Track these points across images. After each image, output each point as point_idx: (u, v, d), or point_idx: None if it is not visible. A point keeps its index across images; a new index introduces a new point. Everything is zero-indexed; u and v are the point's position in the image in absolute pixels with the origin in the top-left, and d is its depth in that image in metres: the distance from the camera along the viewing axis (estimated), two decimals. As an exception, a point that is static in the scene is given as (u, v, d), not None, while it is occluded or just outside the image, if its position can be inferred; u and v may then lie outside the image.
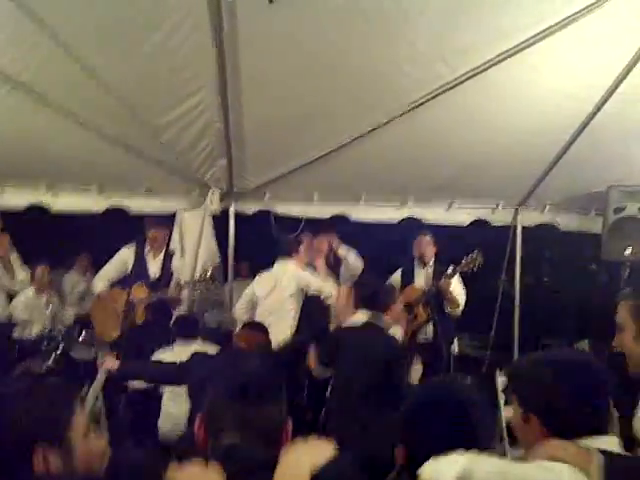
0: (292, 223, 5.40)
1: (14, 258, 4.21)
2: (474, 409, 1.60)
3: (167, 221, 5.09)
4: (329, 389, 3.73)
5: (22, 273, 4.43)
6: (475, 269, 4.58)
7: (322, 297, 4.67)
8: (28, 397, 1.39)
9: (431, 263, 4.88)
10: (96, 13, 3.16)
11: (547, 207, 5.59)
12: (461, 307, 4.64)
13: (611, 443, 1.49)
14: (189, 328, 4.10)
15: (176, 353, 3.97)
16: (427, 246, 4.85)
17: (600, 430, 1.51)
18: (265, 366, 1.60)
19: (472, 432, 1.55)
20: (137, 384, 4.13)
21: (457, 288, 4.65)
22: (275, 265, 4.89)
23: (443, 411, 1.59)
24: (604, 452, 1.38)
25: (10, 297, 4.97)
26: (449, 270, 4.62)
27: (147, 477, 1.48)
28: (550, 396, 1.54)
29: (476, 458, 1.40)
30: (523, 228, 5.70)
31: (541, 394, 1.57)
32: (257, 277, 4.97)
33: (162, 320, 4.69)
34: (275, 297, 4.66)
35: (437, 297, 4.15)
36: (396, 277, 5.09)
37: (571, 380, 1.54)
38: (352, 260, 5.17)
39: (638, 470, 1.42)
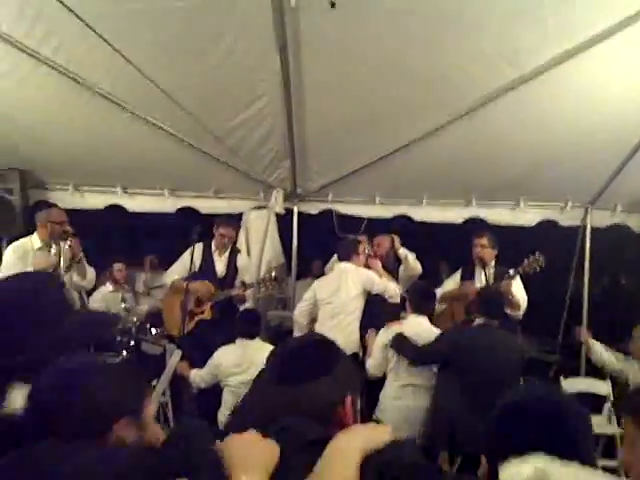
0: (355, 223, 5.45)
1: (83, 258, 4.47)
2: (575, 418, 1.51)
3: (236, 220, 5.26)
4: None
5: (90, 274, 4.69)
6: (537, 270, 4.47)
7: (386, 296, 4.65)
8: (111, 371, 1.44)
9: (492, 264, 4.79)
10: (164, 25, 3.35)
11: (618, 207, 5.40)
12: (522, 309, 4.52)
13: None
14: (251, 325, 4.19)
15: (236, 350, 4.11)
16: (483, 248, 4.76)
17: None
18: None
19: (570, 442, 1.46)
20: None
21: (518, 290, 4.55)
22: (335, 268, 4.81)
23: (541, 416, 1.50)
24: None
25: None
26: (510, 272, 4.53)
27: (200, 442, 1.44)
28: None
29: (554, 463, 1.35)
30: (593, 229, 5.53)
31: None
32: (316, 282, 4.86)
33: (228, 318, 4.85)
34: (339, 300, 4.56)
35: (499, 299, 4.07)
36: (455, 278, 5.02)
37: None
38: (412, 261, 5.14)
39: None
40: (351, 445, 1.24)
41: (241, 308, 5.05)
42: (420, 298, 4.12)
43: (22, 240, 4.43)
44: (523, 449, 1.38)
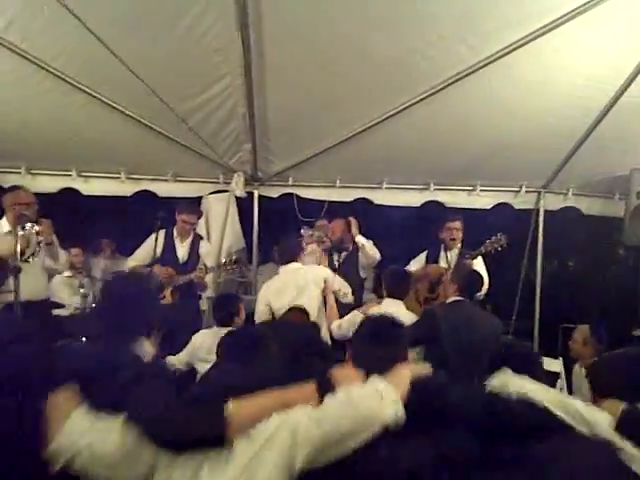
0: (315, 206, 5.47)
1: (55, 241, 4.35)
2: None
3: (197, 206, 5.19)
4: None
5: (63, 256, 4.56)
6: (499, 249, 4.60)
7: (340, 294, 4.42)
8: None
9: (459, 245, 4.92)
10: (122, 6, 3.27)
11: (570, 191, 5.59)
12: (484, 289, 4.65)
13: None
14: (226, 312, 4.08)
15: (213, 337, 3.97)
16: (458, 231, 4.88)
17: None
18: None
19: None
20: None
21: (481, 270, 4.67)
22: (283, 271, 4.34)
23: None
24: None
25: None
26: (470, 253, 4.65)
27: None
28: None
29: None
30: (546, 212, 5.71)
31: None
32: (265, 292, 4.30)
33: (190, 302, 4.80)
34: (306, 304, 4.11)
35: (460, 278, 4.16)
36: (420, 259, 5.11)
37: None
38: (369, 249, 5.12)
39: None
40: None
41: (202, 294, 5.01)
42: (395, 282, 4.09)
43: None
44: None
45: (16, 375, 1.76)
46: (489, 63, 3.75)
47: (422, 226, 5.21)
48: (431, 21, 3.46)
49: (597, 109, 4.32)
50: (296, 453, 1.55)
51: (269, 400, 1.70)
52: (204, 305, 5.25)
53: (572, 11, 3.34)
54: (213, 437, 1.61)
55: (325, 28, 3.51)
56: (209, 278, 4.99)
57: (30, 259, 4.00)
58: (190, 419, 1.65)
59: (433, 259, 5.05)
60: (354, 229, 5.20)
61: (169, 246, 4.88)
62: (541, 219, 5.69)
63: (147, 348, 2.19)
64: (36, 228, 4.00)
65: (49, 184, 5.30)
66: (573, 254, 7.89)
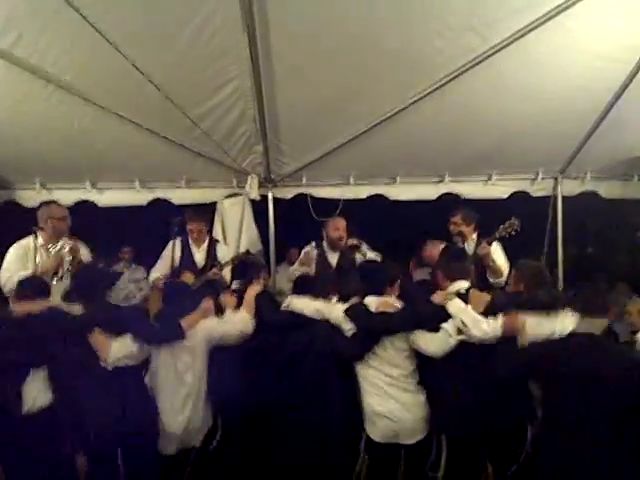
0: (330, 205, 5.43)
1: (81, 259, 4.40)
2: None
3: (204, 213, 5.15)
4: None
5: None
6: (513, 234, 4.54)
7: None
8: None
9: (473, 237, 4.84)
10: (130, 10, 3.27)
11: (588, 175, 5.50)
12: (505, 276, 4.58)
13: None
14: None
15: None
16: (459, 226, 4.80)
17: None
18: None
19: None
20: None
21: (499, 257, 4.59)
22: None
23: None
24: None
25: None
26: (486, 239, 4.59)
27: None
28: None
29: None
30: (564, 198, 5.62)
31: None
32: None
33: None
34: None
35: (478, 267, 4.11)
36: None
37: None
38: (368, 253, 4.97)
39: None
40: None
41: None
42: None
43: (24, 240, 4.32)
44: None
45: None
46: (499, 50, 3.70)
47: (439, 220, 5.15)
48: (438, 12, 3.43)
49: (611, 90, 4.25)
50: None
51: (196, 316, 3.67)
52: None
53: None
54: (177, 336, 3.53)
55: (332, 25, 3.49)
56: (226, 274, 4.93)
57: (62, 279, 4.05)
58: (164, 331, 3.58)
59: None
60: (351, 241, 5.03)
61: (186, 253, 4.90)
62: (559, 205, 5.61)
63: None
64: (67, 247, 4.05)
65: (64, 198, 5.31)
66: (591, 240, 7.77)
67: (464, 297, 3.50)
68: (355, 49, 3.69)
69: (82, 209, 5.37)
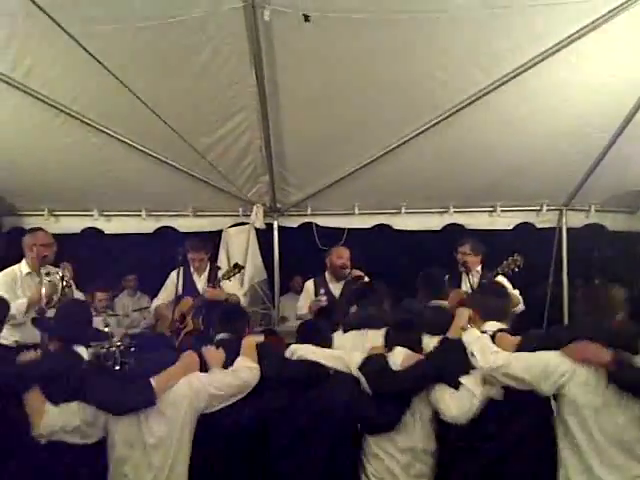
0: (335, 234, 5.46)
1: (72, 284, 4.42)
2: None
3: (204, 242, 5.11)
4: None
5: (80, 296, 4.66)
6: (516, 270, 4.52)
7: None
8: None
9: (478, 269, 4.84)
10: (139, 44, 3.34)
11: (593, 207, 5.51)
12: (520, 305, 4.56)
13: None
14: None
15: None
16: (465, 256, 4.80)
17: None
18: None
19: None
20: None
21: (509, 289, 4.59)
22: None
23: None
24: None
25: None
26: (487, 274, 4.59)
27: None
28: None
29: None
30: (569, 229, 5.62)
31: None
32: None
33: (210, 322, 4.73)
34: None
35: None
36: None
37: None
38: None
39: None
40: None
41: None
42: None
43: (11, 267, 4.32)
44: None
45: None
46: (502, 84, 3.76)
47: (443, 250, 5.15)
48: (443, 46, 3.48)
49: (615, 124, 4.28)
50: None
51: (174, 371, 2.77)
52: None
53: (583, 28, 3.34)
54: (146, 401, 2.62)
55: (337, 58, 3.56)
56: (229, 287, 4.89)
57: (56, 306, 4.06)
58: (128, 393, 2.68)
59: (456, 283, 4.96)
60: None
61: (188, 281, 4.90)
62: (564, 237, 5.61)
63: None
64: (60, 274, 4.06)
65: (72, 225, 5.39)
66: (597, 271, 7.74)
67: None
68: (360, 81, 3.76)
69: (89, 236, 5.42)
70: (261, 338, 3.32)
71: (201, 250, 4.92)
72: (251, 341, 3.11)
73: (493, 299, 3.14)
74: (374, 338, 3.20)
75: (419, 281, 3.98)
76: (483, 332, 2.87)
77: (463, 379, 2.74)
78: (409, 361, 2.89)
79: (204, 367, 2.92)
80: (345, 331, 3.46)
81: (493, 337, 2.83)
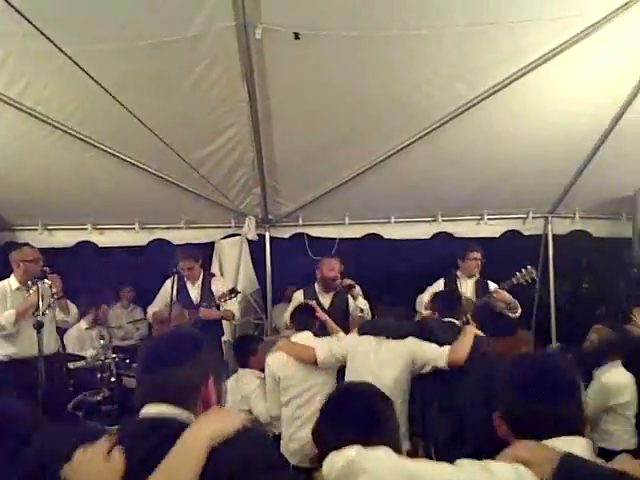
0: (326, 245, 5.54)
1: (63, 295, 4.47)
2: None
3: (194, 250, 5.13)
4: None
5: (73, 309, 4.71)
6: (529, 281, 4.69)
7: None
8: None
9: (477, 275, 4.96)
10: (134, 62, 3.42)
11: (577, 214, 5.65)
12: (518, 311, 4.72)
13: (578, 444, 1.44)
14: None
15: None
16: (478, 261, 4.90)
17: (570, 431, 1.46)
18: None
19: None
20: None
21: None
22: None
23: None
24: (567, 455, 1.34)
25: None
26: (502, 284, 4.71)
27: None
28: (508, 396, 1.55)
29: (367, 453, 1.46)
30: (555, 236, 5.76)
31: (501, 394, 1.58)
32: None
33: (205, 334, 4.76)
34: None
35: (489, 307, 4.23)
36: (437, 286, 5.00)
37: (528, 380, 1.53)
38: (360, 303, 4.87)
39: (592, 476, 1.35)
40: (199, 435, 1.32)
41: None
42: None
43: (0, 282, 4.38)
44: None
45: None
46: (486, 97, 3.87)
47: (432, 257, 5.26)
48: (427, 60, 3.58)
49: (597, 133, 4.42)
50: None
51: None
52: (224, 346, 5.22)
53: (565, 42, 3.45)
54: None
55: (325, 73, 3.65)
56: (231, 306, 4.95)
57: (45, 313, 4.12)
58: None
59: (451, 287, 5.03)
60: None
61: (182, 289, 4.96)
62: (550, 244, 5.74)
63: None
64: (48, 282, 4.12)
65: (65, 238, 5.45)
66: (585, 276, 7.88)
67: None
68: (348, 95, 3.85)
69: (83, 249, 5.47)
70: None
71: (190, 259, 4.95)
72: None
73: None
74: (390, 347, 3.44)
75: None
76: None
77: None
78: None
79: None
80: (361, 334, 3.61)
81: None
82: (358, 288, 4.89)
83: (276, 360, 3.68)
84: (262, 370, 3.84)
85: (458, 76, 3.73)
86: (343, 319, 4.69)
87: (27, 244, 4.56)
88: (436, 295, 4.12)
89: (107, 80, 3.50)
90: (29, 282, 4.12)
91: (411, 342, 3.46)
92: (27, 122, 3.90)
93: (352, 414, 1.69)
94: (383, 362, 3.40)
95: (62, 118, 3.97)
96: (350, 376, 3.49)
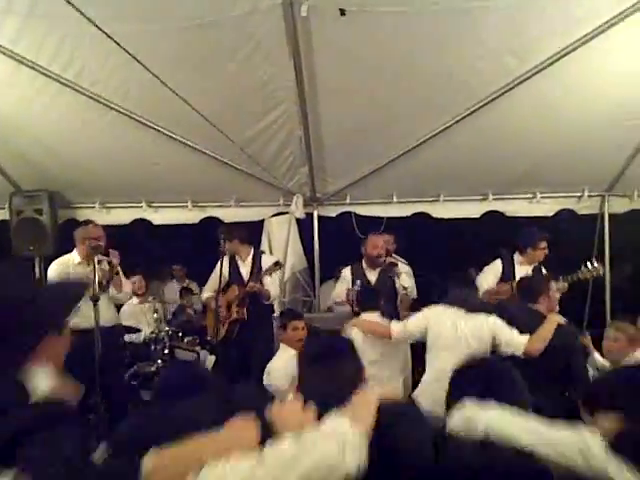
0: (374, 223, 5.54)
1: (120, 271, 4.65)
2: None
3: (236, 230, 5.17)
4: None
5: (127, 285, 4.86)
6: (595, 277, 4.59)
7: None
8: None
9: None
10: (181, 43, 3.50)
11: (636, 193, 5.42)
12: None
13: None
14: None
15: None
16: (546, 252, 4.78)
17: None
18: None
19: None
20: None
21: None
22: None
23: None
24: None
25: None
26: (565, 277, 4.57)
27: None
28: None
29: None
30: (612, 216, 5.56)
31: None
32: None
33: (256, 315, 4.92)
34: None
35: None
36: (496, 267, 4.94)
37: None
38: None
39: None
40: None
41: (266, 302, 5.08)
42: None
43: (64, 257, 4.63)
44: None
45: None
46: (537, 72, 3.76)
47: (482, 237, 5.17)
48: (478, 36, 3.51)
49: (657, 108, 4.22)
50: None
51: (198, 447, 1.32)
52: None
53: (622, 12, 3.30)
54: None
55: (373, 50, 3.63)
56: (266, 282, 5.03)
57: (106, 289, 4.32)
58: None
59: (508, 267, 4.93)
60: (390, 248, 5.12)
61: (234, 267, 5.08)
62: (606, 223, 5.55)
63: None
64: (107, 259, 4.32)
65: (122, 216, 5.66)
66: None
67: None
68: (396, 71, 3.82)
69: (138, 227, 5.67)
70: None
71: (233, 238, 5.03)
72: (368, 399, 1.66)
73: None
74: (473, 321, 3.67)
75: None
76: None
77: None
78: None
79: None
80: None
81: None
82: (401, 266, 4.91)
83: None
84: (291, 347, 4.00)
85: (508, 50, 3.63)
86: (391, 295, 4.81)
87: (91, 222, 4.77)
88: (522, 280, 4.22)
89: (155, 62, 3.61)
90: (89, 258, 4.32)
91: (493, 322, 3.64)
92: (83, 103, 4.06)
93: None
94: (470, 335, 3.62)
95: (117, 99, 4.11)
96: (439, 343, 3.70)
